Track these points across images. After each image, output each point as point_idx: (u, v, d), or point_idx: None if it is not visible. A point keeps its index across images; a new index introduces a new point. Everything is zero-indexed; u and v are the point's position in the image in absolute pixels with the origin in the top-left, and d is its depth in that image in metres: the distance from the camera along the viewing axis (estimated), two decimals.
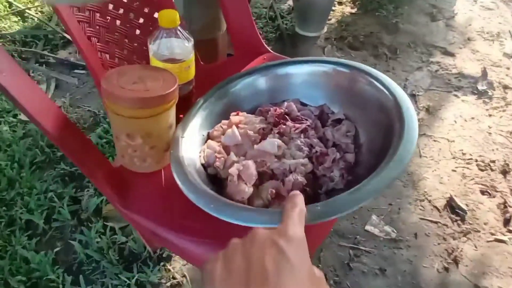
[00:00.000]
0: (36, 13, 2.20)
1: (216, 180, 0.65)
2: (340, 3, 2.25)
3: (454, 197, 1.35)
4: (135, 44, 0.80)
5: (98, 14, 0.70)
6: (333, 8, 2.16)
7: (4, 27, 2.13)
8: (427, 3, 2.31)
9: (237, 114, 0.70)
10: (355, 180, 0.63)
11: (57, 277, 1.13)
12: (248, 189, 0.59)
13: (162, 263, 1.17)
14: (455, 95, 1.75)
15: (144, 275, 1.13)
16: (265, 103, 0.77)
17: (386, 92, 0.64)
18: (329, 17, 2.08)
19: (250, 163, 0.61)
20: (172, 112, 0.64)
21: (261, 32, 1.98)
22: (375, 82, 0.66)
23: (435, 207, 1.34)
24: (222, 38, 1.30)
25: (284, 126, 0.66)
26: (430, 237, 1.26)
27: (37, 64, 1.88)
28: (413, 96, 1.72)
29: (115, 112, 0.59)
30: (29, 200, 1.29)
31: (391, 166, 0.53)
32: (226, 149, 0.66)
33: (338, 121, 0.71)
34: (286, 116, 0.68)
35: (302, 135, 0.65)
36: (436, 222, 1.30)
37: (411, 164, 1.45)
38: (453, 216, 1.31)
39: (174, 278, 1.14)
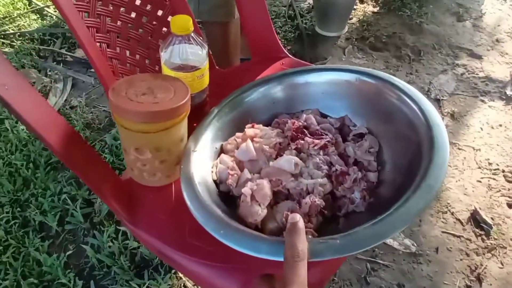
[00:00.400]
0: (55, 11, 2.20)
1: (228, 197, 0.61)
2: (362, 1, 2.18)
3: (478, 209, 1.29)
4: (148, 49, 0.76)
5: (109, 19, 0.67)
6: (355, 6, 2.09)
7: (23, 25, 2.14)
8: (454, 2, 2.23)
9: (252, 126, 0.66)
10: (377, 202, 0.59)
11: (68, 281, 1.11)
12: (261, 211, 0.55)
13: (173, 271, 1.14)
14: (482, 100, 1.68)
15: (155, 282, 1.10)
16: (282, 113, 0.73)
17: (414, 107, 0.59)
18: (350, 16, 2.01)
19: (265, 182, 0.57)
20: (183, 125, 0.60)
21: (279, 32, 1.94)
22: (403, 96, 0.61)
23: (458, 220, 1.28)
24: (235, 25, 1.26)
25: (302, 142, 0.61)
26: (452, 252, 1.20)
27: (54, 63, 1.88)
28: (437, 101, 1.65)
29: (122, 125, 0.56)
30: (43, 202, 1.29)
31: (418, 195, 0.48)
32: (240, 164, 0.63)
33: (360, 136, 0.67)
34: (305, 130, 0.64)
35: (321, 152, 0.61)
36: (459, 236, 1.23)
37: None
38: (477, 230, 1.25)
39: (185, 286, 1.12)
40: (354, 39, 1.93)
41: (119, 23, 0.68)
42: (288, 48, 1.85)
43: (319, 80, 0.71)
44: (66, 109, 1.64)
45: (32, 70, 1.86)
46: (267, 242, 0.48)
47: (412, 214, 0.47)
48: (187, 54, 0.64)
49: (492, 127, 1.57)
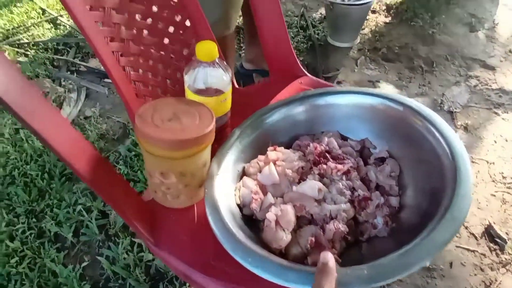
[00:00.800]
0: (68, 21, 2.22)
1: (251, 220, 0.62)
2: (373, 12, 2.18)
3: (492, 224, 1.28)
4: (169, 70, 0.77)
5: (131, 43, 0.68)
6: (367, 17, 2.09)
7: (37, 34, 2.17)
8: (466, 12, 2.22)
9: (275, 149, 0.67)
10: (400, 227, 0.59)
11: None
12: (286, 237, 0.56)
13: (188, 284, 1.15)
14: (495, 113, 1.67)
15: None
16: (302, 134, 0.74)
17: (438, 136, 0.59)
18: (363, 27, 2.01)
19: (289, 208, 0.57)
20: (208, 150, 0.61)
21: (292, 42, 1.94)
22: (427, 124, 0.61)
23: (472, 234, 1.27)
24: (231, 38, 1.28)
25: (325, 167, 0.62)
26: (466, 267, 1.19)
27: (68, 72, 1.90)
28: (450, 113, 1.64)
29: (149, 151, 0.56)
30: (58, 213, 1.30)
31: (443, 226, 0.48)
32: (263, 188, 0.63)
33: (381, 159, 0.67)
34: (327, 155, 0.64)
35: (344, 177, 0.61)
36: (473, 251, 1.23)
37: None
38: (491, 245, 1.24)
39: None
40: (366, 50, 1.93)
41: (142, 46, 0.69)
42: (301, 59, 1.86)
43: (341, 102, 0.72)
44: (80, 119, 1.66)
45: (46, 79, 1.89)
46: (295, 271, 0.48)
47: (438, 245, 0.48)
48: (211, 78, 0.65)
49: (506, 140, 1.56)
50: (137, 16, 0.68)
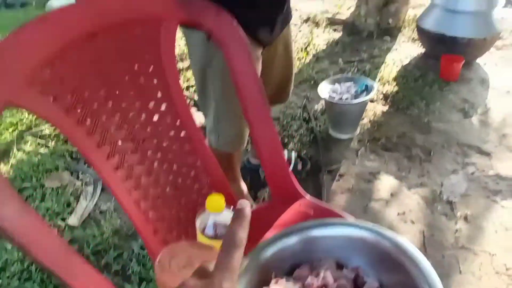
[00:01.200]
0: None
1: None
2: (372, 101, 2.32)
3: None
4: (182, 201, 0.87)
5: (151, 189, 0.78)
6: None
7: None
8: (459, 98, 2.35)
9: (276, 282, 0.74)
10: None
11: None
12: None
13: None
14: (494, 201, 1.73)
15: None
16: (301, 262, 0.81)
17: (421, 276, 0.67)
18: (362, 117, 2.14)
19: None
20: None
21: (295, 135, 2.07)
22: (412, 261, 0.69)
23: None
24: (240, 152, 1.39)
25: None
26: None
27: (85, 165, 2.02)
28: (449, 204, 1.71)
29: None
30: None
31: None
32: None
33: None
34: None
35: None
36: None
37: (450, 282, 1.42)
38: None
39: None
40: (366, 141, 2.04)
41: (159, 189, 0.80)
42: (304, 152, 1.97)
43: (335, 234, 0.80)
44: (96, 213, 1.75)
45: (65, 172, 2.01)
46: None
47: None
48: (220, 225, 0.74)
49: (506, 229, 1.60)
50: (155, 164, 0.79)
